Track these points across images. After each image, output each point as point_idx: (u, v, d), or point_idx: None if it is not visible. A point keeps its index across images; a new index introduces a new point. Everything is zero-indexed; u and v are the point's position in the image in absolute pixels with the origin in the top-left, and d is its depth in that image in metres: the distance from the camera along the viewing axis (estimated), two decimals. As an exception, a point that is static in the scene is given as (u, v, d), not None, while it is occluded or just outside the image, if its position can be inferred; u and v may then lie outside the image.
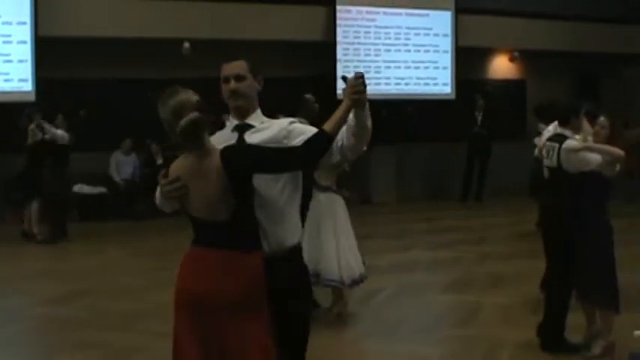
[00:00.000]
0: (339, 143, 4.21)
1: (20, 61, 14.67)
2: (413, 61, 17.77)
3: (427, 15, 17.90)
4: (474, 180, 17.83)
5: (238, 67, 4.65)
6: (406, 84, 17.52)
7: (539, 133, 12.80)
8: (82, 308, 8.88)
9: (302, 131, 4.25)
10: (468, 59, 18.10)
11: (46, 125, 12.75)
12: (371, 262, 10.75)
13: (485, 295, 9.32)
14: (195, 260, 4.27)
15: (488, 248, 12.37)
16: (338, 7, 16.90)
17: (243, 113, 4.49)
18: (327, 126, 4.11)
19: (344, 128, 4.19)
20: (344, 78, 4.22)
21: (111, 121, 14.68)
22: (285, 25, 16.15)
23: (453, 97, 18.01)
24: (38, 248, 12.27)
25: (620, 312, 6.84)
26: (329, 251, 7.84)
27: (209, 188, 4.10)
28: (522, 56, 19.32)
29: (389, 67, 17.46)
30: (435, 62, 18.00)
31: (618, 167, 6.83)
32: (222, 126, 4.60)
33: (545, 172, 7.25)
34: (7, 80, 14.65)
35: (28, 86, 14.72)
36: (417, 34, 17.84)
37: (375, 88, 17.04)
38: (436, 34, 18.02)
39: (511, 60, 19.41)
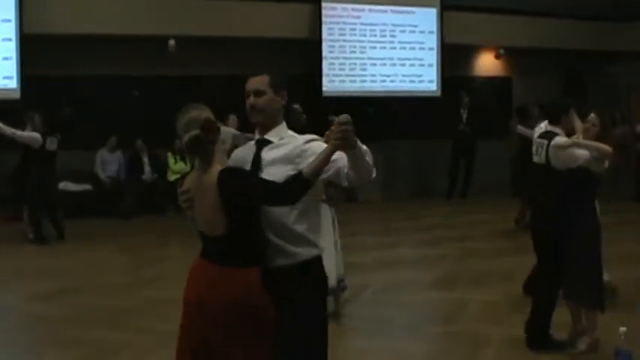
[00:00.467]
0: (345, 170, 4.14)
1: (5, 58, 14.62)
2: (398, 59, 17.79)
3: (412, 12, 17.92)
4: (459, 177, 17.87)
5: (259, 82, 4.51)
6: (392, 81, 17.53)
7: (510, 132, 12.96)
8: (68, 305, 8.86)
9: (314, 152, 4.10)
10: (453, 56, 18.14)
11: (7, 129, 12.11)
12: (356, 260, 10.82)
13: (470, 292, 9.35)
14: (197, 271, 4.44)
15: (474, 245, 12.40)
16: (323, 5, 16.91)
17: (262, 129, 4.50)
18: (308, 168, 4.02)
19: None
20: (331, 119, 4.21)
21: (96, 119, 14.66)
22: (270, 22, 16.15)
23: (438, 94, 18.04)
24: (24, 246, 12.23)
25: (604, 311, 6.88)
26: None
27: (207, 203, 4.18)
28: (508, 54, 19.36)
29: (374, 65, 17.47)
30: (421, 59, 18.03)
31: (607, 164, 6.86)
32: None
33: (534, 170, 7.28)
34: (-8, 78, 14.65)
35: (12, 84, 14.68)
36: (403, 32, 17.85)
37: (361, 85, 17.08)
38: (422, 32, 18.04)
39: (497, 57, 19.45)
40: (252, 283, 4.16)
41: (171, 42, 15.68)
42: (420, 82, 18.00)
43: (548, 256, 7.05)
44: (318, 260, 4.37)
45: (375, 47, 17.56)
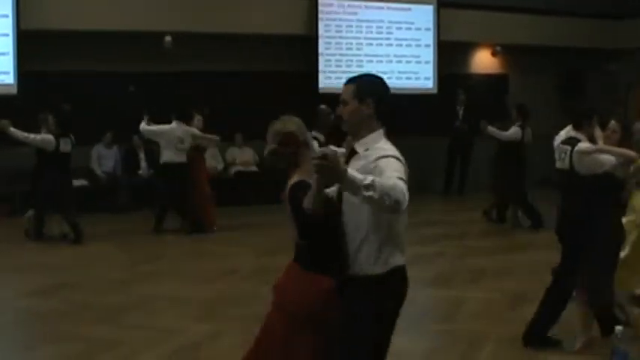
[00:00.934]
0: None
1: (2, 54, 14.63)
2: (395, 55, 17.79)
3: (409, 9, 17.91)
4: (455, 174, 17.87)
5: (345, 91, 4.46)
6: (388, 78, 17.20)
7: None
8: (64, 301, 8.85)
9: (382, 171, 4.03)
10: (450, 53, 18.13)
11: (20, 133, 11.87)
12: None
13: (467, 289, 9.35)
14: (287, 267, 4.75)
15: (471, 243, 12.40)
16: (320, 1, 16.90)
17: (353, 138, 4.43)
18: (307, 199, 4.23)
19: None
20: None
21: (92, 114, 14.62)
22: (266, 18, 16.11)
23: (435, 91, 18.03)
24: (21, 241, 12.19)
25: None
26: None
27: (287, 211, 4.60)
28: (504, 51, 19.34)
29: (371, 61, 17.45)
30: (417, 56, 18.03)
31: (632, 169, 6.85)
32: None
33: (558, 175, 7.25)
34: (-11, 73, 14.63)
35: (10, 79, 14.68)
36: (399, 28, 17.85)
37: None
38: (418, 28, 18.03)
39: (493, 54, 19.43)
40: (317, 292, 4.47)
41: (168, 38, 15.65)
42: (417, 79, 17.99)
43: (571, 259, 7.03)
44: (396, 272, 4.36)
45: (371, 44, 17.55)
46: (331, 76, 16.98)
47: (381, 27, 17.65)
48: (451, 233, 13.17)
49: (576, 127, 7.13)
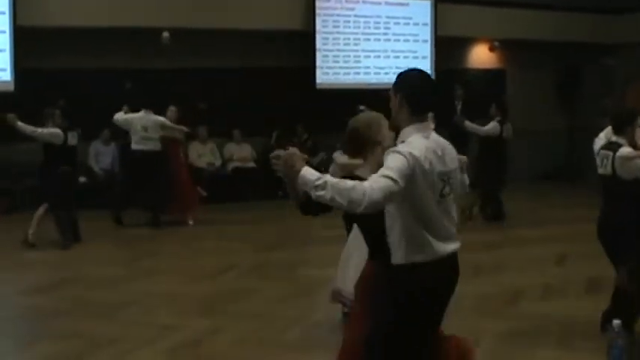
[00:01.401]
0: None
1: (-1, 50, 14.63)
2: (392, 51, 17.79)
3: (407, 4, 17.92)
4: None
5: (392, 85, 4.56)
6: (385, 73, 17.51)
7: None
8: (63, 298, 8.86)
9: (386, 165, 4.18)
10: (447, 49, 18.14)
11: (28, 127, 11.64)
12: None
13: (464, 284, 9.31)
14: None
15: (468, 237, 12.37)
16: (317, -3, 16.91)
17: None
18: None
19: None
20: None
21: (90, 111, 14.61)
22: (264, 14, 16.11)
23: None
24: (19, 237, 12.16)
25: None
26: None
27: None
28: (502, 46, 19.35)
29: (368, 57, 17.47)
30: (415, 52, 18.03)
31: None
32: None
33: (601, 181, 7.21)
34: (-14, 70, 14.63)
35: (6, 76, 14.68)
36: (397, 24, 17.85)
37: (355, 77, 17.08)
38: (416, 24, 18.05)
39: (491, 50, 19.44)
40: (369, 275, 4.81)
41: (165, 34, 15.64)
42: (415, 74, 17.96)
43: (616, 265, 7.03)
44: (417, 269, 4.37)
45: (369, 39, 17.55)
46: (329, 72, 16.99)
47: (378, 22, 17.65)
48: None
49: (617, 131, 7.07)
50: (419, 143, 4.29)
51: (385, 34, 17.73)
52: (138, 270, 10.29)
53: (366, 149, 4.82)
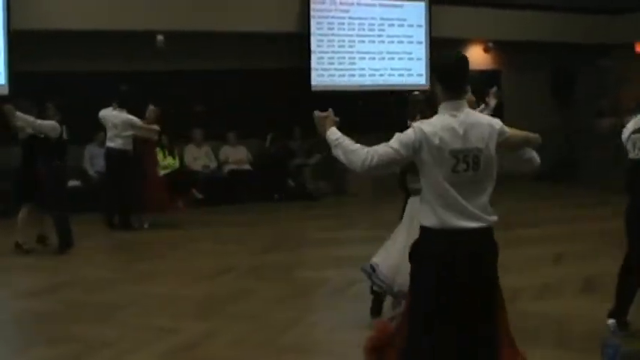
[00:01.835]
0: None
1: (-7, 54, 14.61)
2: (387, 52, 17.81)
3: (401, 6, 17.94)
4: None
5: None
6: (380, 75, 17.54)
7: None
8: (57, 301, 8.82)
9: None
10: (442, 50, 18.11)
11: (28, 117, 11.23)
12: (346, 253, 10.84)
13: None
14: None
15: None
16: (312, -2, 16.90)
17: None
18: None
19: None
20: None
21: (84, 114, 14.58)
22: (258, 16, 16.11)
23: (427, 87, 18.02)
24: (12, 242, 12.11)
25: None
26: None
27: None
28: (497, 47, 19.38)
29: (363, 59, 17.48)
30: (410, 53, 18.05)
31: None
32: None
33: (631, 165, 7.07)
34: (-20, 73, 14.60)
35: (1, 79, 14.65)
36: (391, 25, 17.86)
37: (350, 79, 17.08)
38: (410, 25, 18.06)
39: (485, 51, 19.47)
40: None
41: (160, 37, 15.63)
42: (409, 75, 18.00)
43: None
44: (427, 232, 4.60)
45: (363, 41, 17.56)
46: (324, 74, 16.99)
47: (373, 24, 17.67)
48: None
49: None
50: (436, 120, 4.57)
51: (380, 35, 17.74)
52: (134, 273, 10.27)
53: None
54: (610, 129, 17.45)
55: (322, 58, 17.08)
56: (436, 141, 4.43)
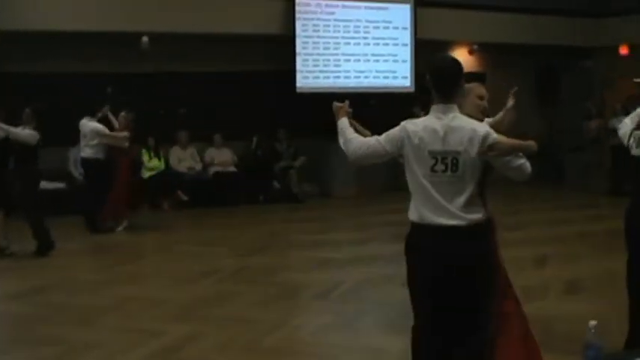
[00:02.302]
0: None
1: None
2: (372, 54, 17.81)
3: (386, 8, 17.94)
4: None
5: None
6: (365, 77, 17.55)
7: None
8: (40, 304, 8.80)
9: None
10: (427, 52, 18.14)
11: (9, 127, 11.18)
12: (330, 256, 10.84)
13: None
14: None
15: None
16: (297, 0, 16.87)
17: None
18: None
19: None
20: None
21: (69, 116, 14.54)
22: (244, 18, 16.09)
23: (412, 90, 18.07)
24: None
25: None
26: None
27: None
28: (482, 49, 19.42)
29: (348, 61, 17.47)
30: (395, 55, 18.06)
31: None
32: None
33: (634, 163, 6.71)
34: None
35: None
36: (377, 27, 17.87)
37: (335, 81, 17.07)
38: (395, 27, 18.07)
39: (470, 53, 19.51)
40: None
41: (145, 39, 15.59)
42: (394, 77, 18.02)
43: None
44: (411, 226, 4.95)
45: (349, 43, 17.56)
46: (309, 76, 16.98)
47: (358, 26, 17.66)
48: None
49: None
50: (421, 121, 4.83)
51: (365, 37, 17.74)
52: (118, 275, 10.25)
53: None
54: (597, 131, 17.58)
55: (307, 60, 17.07)
56: (416, 140, 4.70)
